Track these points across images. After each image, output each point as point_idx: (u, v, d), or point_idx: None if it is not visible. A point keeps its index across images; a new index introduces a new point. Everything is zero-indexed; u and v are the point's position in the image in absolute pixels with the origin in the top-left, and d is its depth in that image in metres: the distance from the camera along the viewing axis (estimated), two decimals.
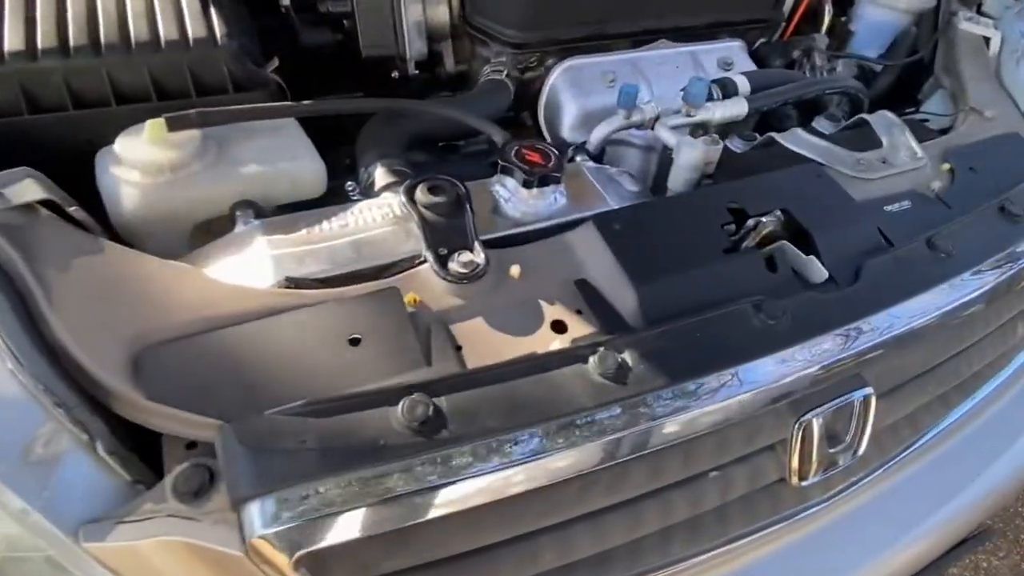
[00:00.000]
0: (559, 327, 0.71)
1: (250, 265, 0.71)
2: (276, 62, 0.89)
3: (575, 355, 0.65)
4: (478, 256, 0.71)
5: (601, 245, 0.76)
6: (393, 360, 0.64)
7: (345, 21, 1.10)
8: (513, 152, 0.81)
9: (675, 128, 1.00)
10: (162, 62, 0.82)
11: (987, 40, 1.29)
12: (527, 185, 0.79)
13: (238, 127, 0.82)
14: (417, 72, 1.18)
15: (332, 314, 0.66)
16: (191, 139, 0.78)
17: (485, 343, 0.68)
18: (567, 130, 1.20)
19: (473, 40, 1.24)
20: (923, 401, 0.87)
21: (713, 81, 1.12)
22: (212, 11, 0.85)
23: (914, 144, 1.06)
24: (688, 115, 1.02)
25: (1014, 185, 1.01)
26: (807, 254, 0.82)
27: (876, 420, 0.77)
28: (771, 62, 1.46)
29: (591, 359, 0.65)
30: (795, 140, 1.02)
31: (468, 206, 0.75)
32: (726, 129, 1.09)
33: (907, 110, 1.28)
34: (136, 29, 0.82)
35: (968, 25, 1.29)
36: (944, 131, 1.16)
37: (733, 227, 0.82)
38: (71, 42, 0.80)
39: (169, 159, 0.76)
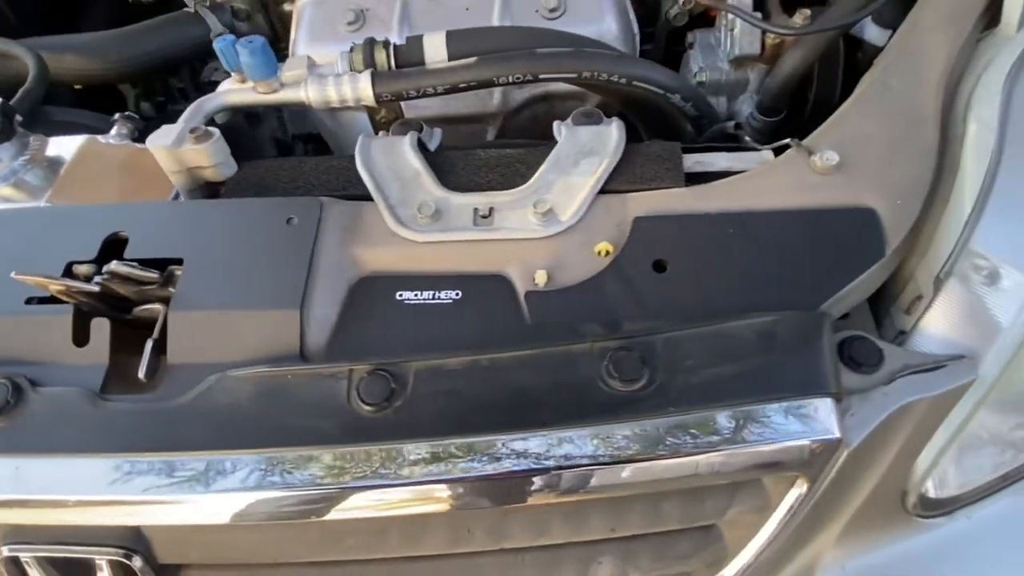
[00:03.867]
0: None
1: None
2: None
3: None
4: None
5: None
6: None
7: None
8: None
9: (223, 111, 0.71)
10: None
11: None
12: None
13: None
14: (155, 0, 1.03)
15: None
16: None
17: None
18: None
19: None
20: None
21: (377, 42, 0.75)
22: None
23: (583, 194, 0.59)
24: (257, 91, 0.71)
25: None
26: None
27: None
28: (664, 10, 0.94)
29: None
30: (364, 154, 0.65)
31: None
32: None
33: None
34: None
35: None
36: None
37: (89, 268, 0.58)
38: None
39: None
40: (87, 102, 1.06)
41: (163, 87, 1.13)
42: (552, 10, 0.89)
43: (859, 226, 0.55)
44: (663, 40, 0.98)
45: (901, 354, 0.54)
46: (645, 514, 0.52)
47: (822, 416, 0.49)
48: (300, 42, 0.94)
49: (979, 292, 0.54)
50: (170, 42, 0.92)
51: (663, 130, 0.83)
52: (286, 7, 1.02)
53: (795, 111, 0.89)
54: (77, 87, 0.97)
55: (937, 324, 0.55)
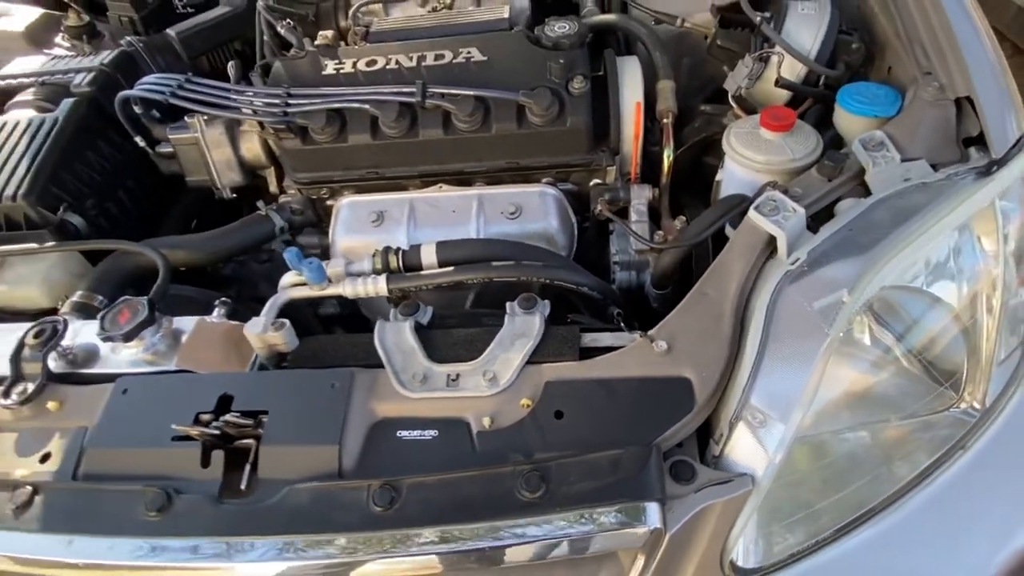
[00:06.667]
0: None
1: None
2: (61, 209, 1.29)
3: None
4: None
5: (103, 404, 0.98)
6: None
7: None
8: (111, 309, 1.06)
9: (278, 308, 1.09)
10: None
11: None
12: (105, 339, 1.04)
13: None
14: (235, 196, 1.46)
15: None
16: None
17: None
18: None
19: None
20: None
21: (392, 250, 1.13)
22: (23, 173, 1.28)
23: (515, 365, 0.94)
24: (312, 290, 1.10)
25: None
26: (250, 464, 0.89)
27: None
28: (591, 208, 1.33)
29: None
30: (380, 335, 1.01)
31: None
32: None
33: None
34: None
35: (756, 217, 0.98)
36: None
37: (210, 416, 0.93)
38: None
39: None
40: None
41: None
42: (512, 213, 1.29)
43: (679, 389, 0.89)
44: (595, 227, 1.36)
45: (707, 472, 0.86)
46: None
47: (649, 513, 0.81)
48: (338, 232, 1.35)
49: (755, 432, 0.86)
50: (246, 238, 1.33)
51: (590, 305, 1.19)
52: (328, 203, 1.43)
53: (686, 284, 1.25)
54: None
55: (732, 452, 0.88)
